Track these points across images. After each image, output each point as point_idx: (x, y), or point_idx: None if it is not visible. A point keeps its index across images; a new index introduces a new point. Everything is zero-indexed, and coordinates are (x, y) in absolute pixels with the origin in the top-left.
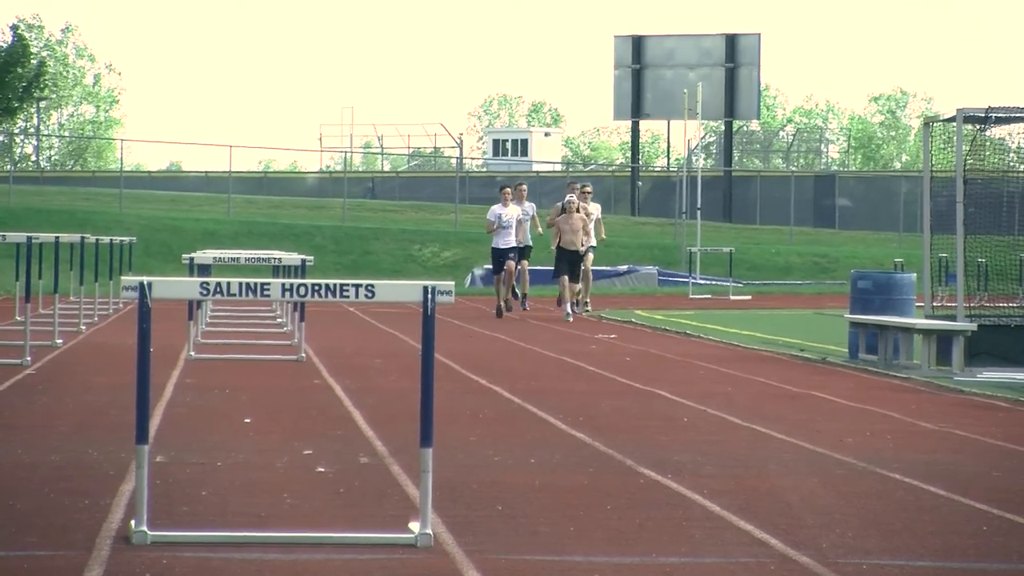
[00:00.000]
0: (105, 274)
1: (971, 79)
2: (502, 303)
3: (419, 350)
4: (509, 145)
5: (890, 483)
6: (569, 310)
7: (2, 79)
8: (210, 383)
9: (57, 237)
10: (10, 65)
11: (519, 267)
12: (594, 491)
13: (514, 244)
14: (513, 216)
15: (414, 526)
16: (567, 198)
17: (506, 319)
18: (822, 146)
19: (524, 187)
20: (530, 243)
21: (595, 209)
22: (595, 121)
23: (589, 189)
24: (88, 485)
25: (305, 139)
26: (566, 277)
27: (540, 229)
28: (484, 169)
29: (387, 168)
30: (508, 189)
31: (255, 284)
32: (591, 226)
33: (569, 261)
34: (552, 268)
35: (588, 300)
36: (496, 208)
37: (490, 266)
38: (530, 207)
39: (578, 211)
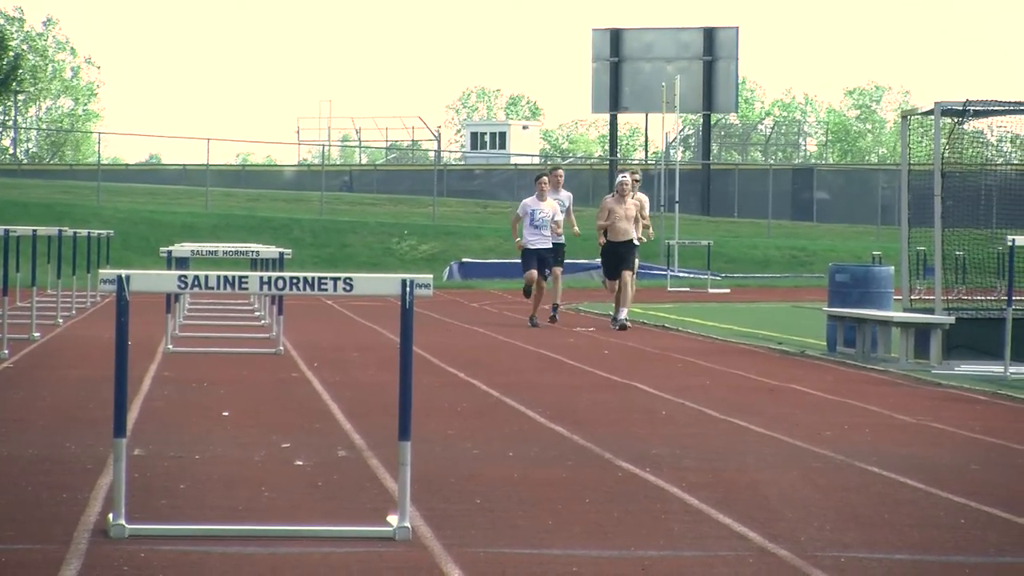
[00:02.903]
0: (83, 267)
1: (947, 72)
2: (535, 313)
3: (397, 343)
4: (487, 138)
5: (868, 476)
6: (621, 316)
7: None
8: (188, 376)
9: (35, 230)
10: None
11: (551, 272)
12: (572, 484)
13: (549, 244)
14: (549, 214)
15: (392, 519)
16: (620, 179)
17: (481, 311)
18: (800, 139)
19: (561, 172)
20: (563, 240)
21: (644, 202)
22: (573, 114)
23: (639, 177)
24: (66, 478)
25: (283, 132)
26: (625, 273)
27: (576, 228)
28: (462, 162)
29: (365, 161)
30: (546, 178)
31: (233, 277)
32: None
33: (620, 255)
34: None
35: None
36: (529, 202)
37: (469, 260)
38: (567, 197)
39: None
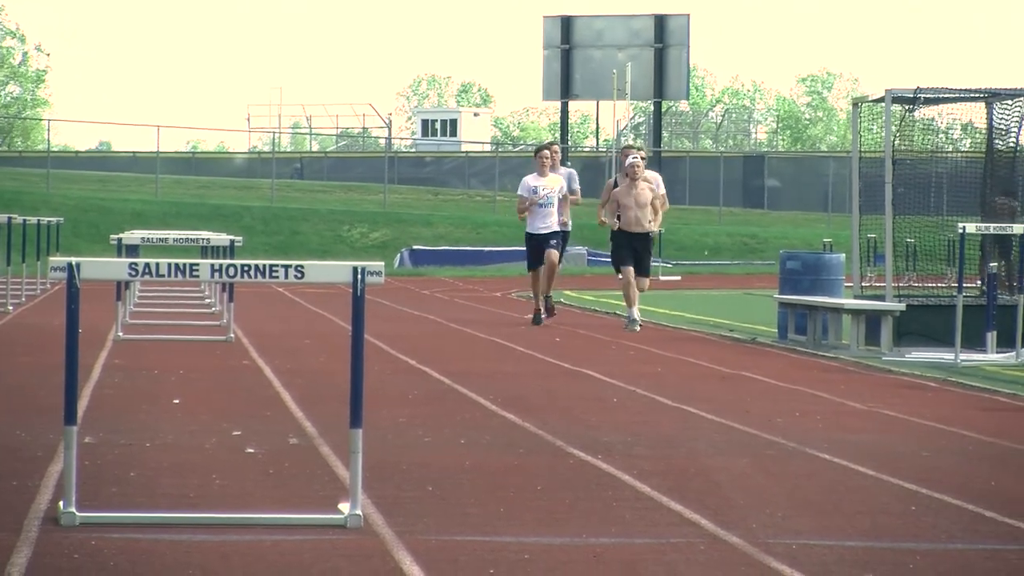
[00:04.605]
0: (33, 255)
1: (898, 60)
2: (541, 306)
3: (348, 331)
4: (438, 125)
5: (819, 463)
6: (636, 315)
7: None
8: (138, 364)
9: None
10: None
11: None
12: (524, 472)
13: (557, 227)
14: (555, 189)
15: (344, 507)
16: (629, 160)
17: (433, 299)
18: (750, 127)
19: (557, 147)
20: (569, 227)
21: (656, 180)
22: (524, 101)
23: (645, 154)
24: (16, 466)
25: (233, 119)
26: (631, 269)
27: (579, 199)
28: (413, 149)
29: (315, 148)
30: (546, 152)
31: (184, 265)
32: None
33: (634, 248)
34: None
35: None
36: (530, 180)
37: (420, 247)
38: (567, 173)
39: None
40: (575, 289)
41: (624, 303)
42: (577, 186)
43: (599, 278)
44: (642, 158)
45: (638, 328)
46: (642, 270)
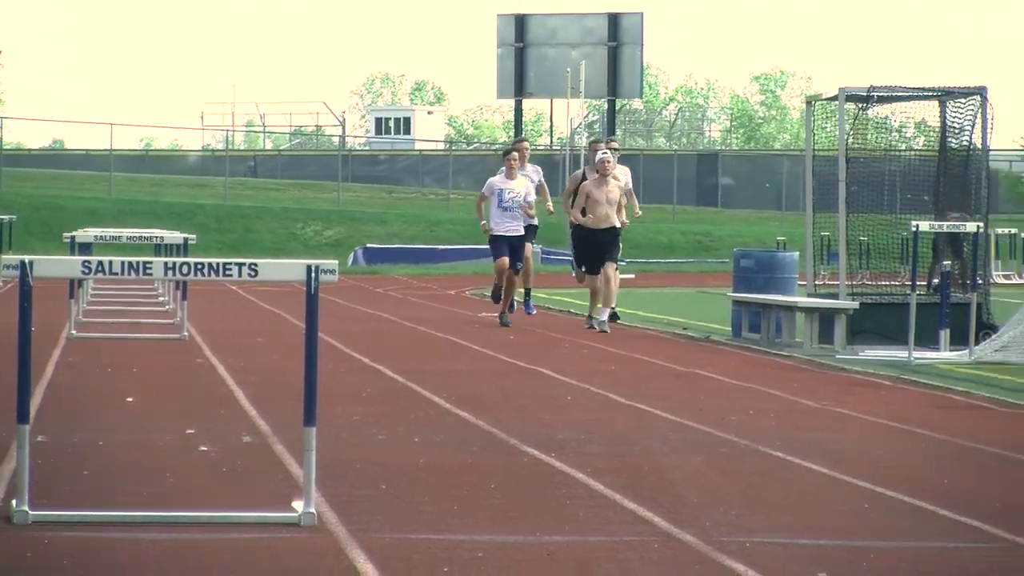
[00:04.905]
0: None
1: (851, 58)
2: (506, 309)
3: (302, 329)
4: (392, 123)
5: (773, 461)
6: (604, 316)
7: None
8: (92, 362)
9: None
10: None
11: (523, 265)
12: (478, 470)
13: (522, 231)
14: (522, 192)
15: (298, 505)
16: (600, 156)
17: (386, 297)
18: (704, 125)
19: (527, 144)
20: (536, 221)
21: (624, 175)
22: (478, 99)
23: (617, 145)
24: None
25: (187, 118)
26: (609, 266)
27: (551, 205)
28: (367, 148)
29: (269, 147)
30: (515, 154)
31: (137, 263)
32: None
33: (600, 245)
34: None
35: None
36: (497, 181)
37: (373, 245)
38: (535, 172)
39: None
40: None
41: (591, 302)
42: (541, 181)
43: (553, 276)
44: (614, 150)
45: (600, 330)
46: (610, 258)
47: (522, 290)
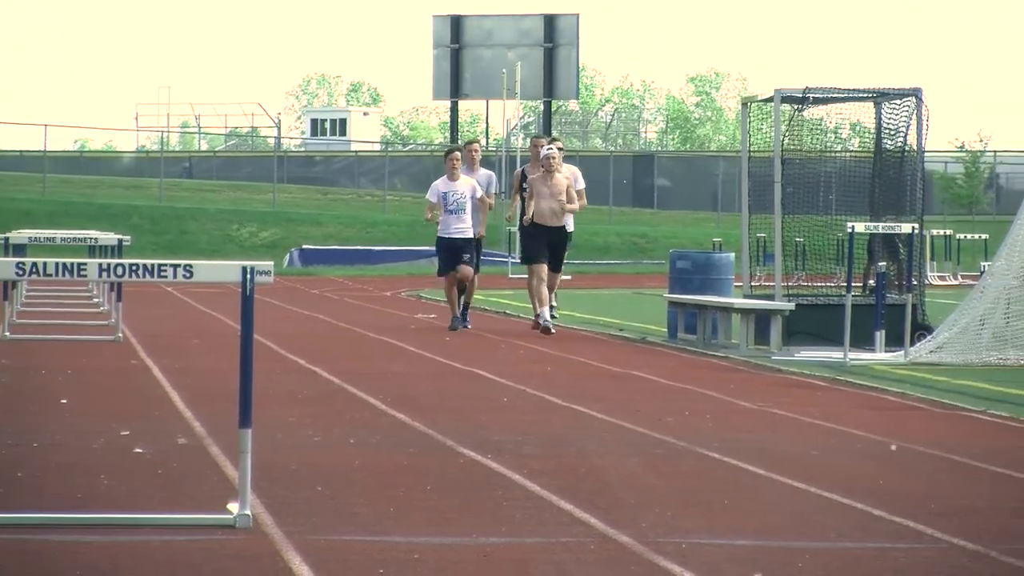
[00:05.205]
0: None
1: (786, 60)
2: (458, 313)
3: (238, 330)
4: (328, 125)
5: (709, 462)
6: (548, 315)
7: None
8: (26, 364)
9: None
10: None
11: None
12: (414, 472)
13: (470, 234)
14: (467, 192)
15: (233, 507)
16: (545, 151)
17: (322, 298)
18: (640, 126)
19: (478, 147)
20: (483, 232)
21: (574, 175)
22: (414, 101)
23: (561, 144)
24: None
25: (121, 119)
26: (544, 266)
27: (491, 201)
28: (302, 149)
29: (204, 148)
30: (457, 154)
31: (72, 264)
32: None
33: (550, 242)
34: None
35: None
36: (440, 184)
37: (309, 246)
38: (486, 177)
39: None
40: None
41: (533, 303)
42: (493, 191)
43: (489, 277)
44: (559, 149)
45: (553, 331)
46: (555, 266)
47: (464, 302)
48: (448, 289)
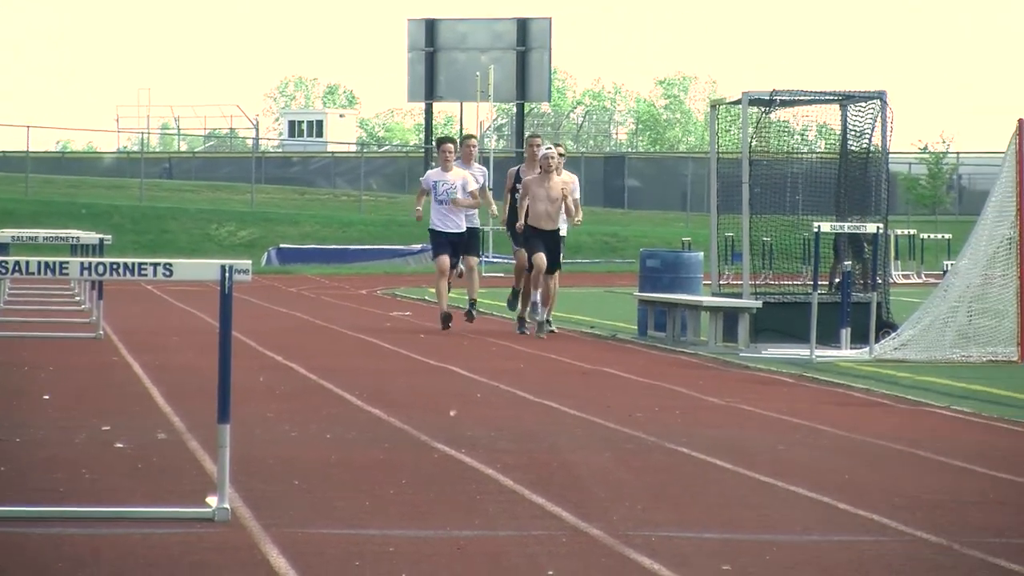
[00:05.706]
0: None
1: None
2: (446, 309)
3: (217, 327)
4: (304, 126)
5: (678, 457)
6: (540, 315)
7: None
8: (8, 360)
9: None
10: None
11: (463, 266)
12: (389, 466)
13: (462, 227)
14: (457, 183)
15: (212, 501)
16: (543, 151)
17: (299, 296)
18: (611, 128)
19: (474, 142)
20: (478, 224)
21: (573, 182)
22: (389, 103)
23: (563, 150)
24: None
25: (102, 120)
26: (541, 255)
27: (494, 209)
28: (280, 150)
29: (184, 149)
30: (449, 145)
31: (54, 263)
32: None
33: (544, 242)
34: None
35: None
36: (432, 174)
37: (286, 245)
38: (480, 172)
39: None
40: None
41: (517, 281)
42: (485, 183)
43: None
44: (560, 155)
45: (542, 335)
46: (551, 269)
47: (469, 299)
48: (439, 283)
